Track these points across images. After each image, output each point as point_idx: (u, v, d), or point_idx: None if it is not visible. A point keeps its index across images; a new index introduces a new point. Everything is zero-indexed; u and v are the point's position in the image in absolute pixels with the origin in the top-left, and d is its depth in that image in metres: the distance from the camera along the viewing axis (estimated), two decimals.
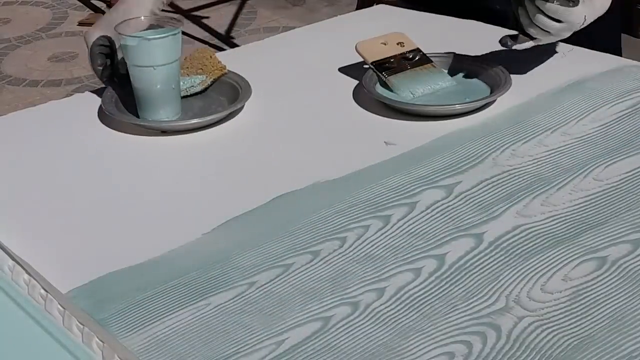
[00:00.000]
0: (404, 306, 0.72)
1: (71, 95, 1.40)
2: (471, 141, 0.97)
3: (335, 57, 1.18)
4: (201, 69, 1.10)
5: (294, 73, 1.18)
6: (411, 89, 1.09)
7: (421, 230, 0.82)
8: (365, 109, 1.07)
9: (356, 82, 1.12)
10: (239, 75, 1.11)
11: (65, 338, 0.72)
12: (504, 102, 1.06)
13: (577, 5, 1.02)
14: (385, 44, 1.14)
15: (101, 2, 3.65)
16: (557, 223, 0.82)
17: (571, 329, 0.69)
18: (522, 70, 1.14)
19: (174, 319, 0.71)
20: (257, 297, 0.73)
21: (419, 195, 0.87)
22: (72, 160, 0.97)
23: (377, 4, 2.22)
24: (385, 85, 1.10)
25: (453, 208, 0.85)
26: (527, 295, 0.73)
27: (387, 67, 1.11)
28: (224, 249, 0.79)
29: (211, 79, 1.10)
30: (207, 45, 3.12)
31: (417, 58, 1.13)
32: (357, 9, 2.31)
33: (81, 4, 3.63)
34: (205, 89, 1.10)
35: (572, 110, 1.04)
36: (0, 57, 3.12)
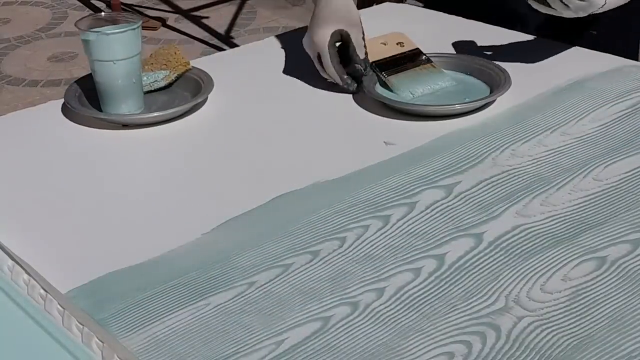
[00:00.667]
0: (403, 306, 0.72)
1: None
2: (471, 141, 0.97)
3: None
4: (165, 64, 1.12)
5: (294, 73, 1.18)
6: (411, 89, 1.09)
7: (421, 230, 0.82)
8: (365, 109, 1.07)
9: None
10: (203, 71, 1.12)
11: (64, 338, 0.72)
12: (504, 102, 1.06)
13: None
14: (385, 44, 1.15)
15: (101, 2, 3.66)
16: (556, 223, 0.82)
17: (571, 329, 0.69)
18: (522, 70, 1.14)
19: (174, 319, 0.71)
20: (256, 297, 0.73)
21: (419, 195, 0.87)
22: (72, 160, 0.97)
23: (376, 4, 2.22)
24: (385, 85, 1.10)
25: (453, 208, 0.85)
26: (527, 295, 0.73)
27: (386, 67, 1.11)
28: (224, 249, 0.79)
29: (175, 74, 1.11)
30: (206, 45, 3.13)
31: (416, 58, 1.13)
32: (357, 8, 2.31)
33: (81, 4, 3.63)
34: (170, 85, 1.12)
35: (572, 110, 1.04)
36: (0, 57, 3.12)
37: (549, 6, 1.05)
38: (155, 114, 1.04)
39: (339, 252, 0.79)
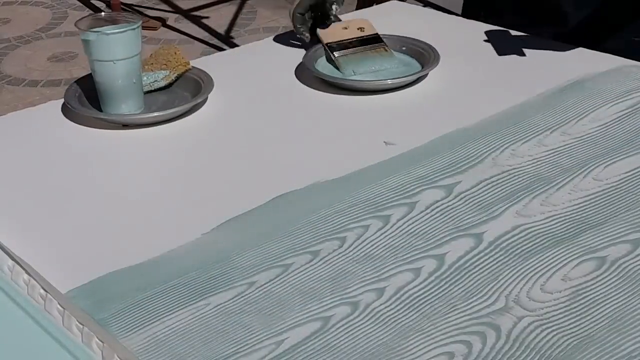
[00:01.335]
0: (403, 306, 0.72)
1: None
2: (471, 141, 0.97)
3: None
4: (165, 64, 1.12)
5: (294, 73, 1.18)
6: (355, 68, 1.15)
7: (421, 230, 0.82)
8: (365, 109, 1.07)
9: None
10: (203, 71, 1.12)
11: (64, 338, 0.72)
12: (504, 102, 1.06)
13: None
14: (346, 29, 1.21)
15: (101, 2, 3.66)
16: (556, 223, 0.82)
17: (571, 328, 0.69)
18: (523, 70, 1.14)
19: (174, 319, 0.71)
20: (256, 297, 0.73)
21: (419, 195, 0.87)
22: (72, 160, 0.97)
23: (377, 4, 2.22)
24: (334, 64, 1.18)
25: (453, 208, 0.85)
26: (527, 295, 0.73)
27: (339, 48, 1.18)
28: (224, 249, 0.79)
29: (175, 75, 1.11)
30: (206, 45, 3.12)
31: (372, 42, 1.20)
32: (357, 8, 2.31)
33: (81, 4, 3.63)
34: (170, 85, 1.12)
35: (572, 110, 1.04)
36: (0, 57, 3.12)
37: None
38: (155, 114, 1.04)
39: (339, 252, 0.79)
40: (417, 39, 1.20)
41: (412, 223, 0.83)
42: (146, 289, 0.74)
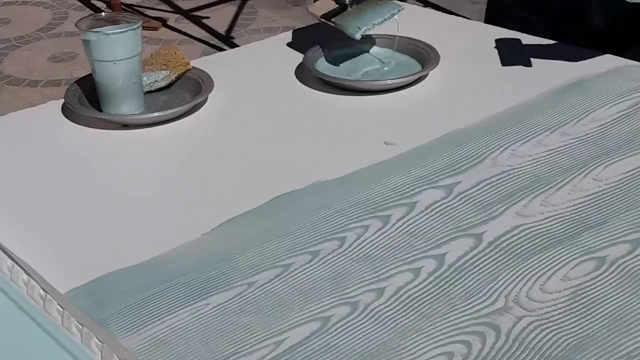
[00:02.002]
0: (403, 306, 0.72)
1: None
2: (471, 141, 0.97)
3: None
4: (165, 64, 1.12)
5: (294, 73, 1.18)
6: (358, 24, 1.14)
7: (420, 230, 0.82)
8: (365, 109, 1.07)
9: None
10: (203, 71, 1.12)
11: (64, 338, 0.72)
12: (504, 102, 1.06)
13: None
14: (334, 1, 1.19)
15: (101, 2, 3.66)
16: (556, 223, 0.82)
17: (570, 328, 0.69)
18: (523, 70, 1.14)
19: (174, 319, 0.71)
20: (256, 297, 0.73)
21: (419, 195, 0.87)
22: (72, 160, 0.97)
23: None
24: (332, 62, 1.17)
25: (452, 208, 0.85)
26: (527, 295, 0.73)
27: (334, 13, 1.17)
28: (224, 249, 0.79)
29: (175, 75, 1.11)
30: (207, 45, 3.13)
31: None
32: None
33: (81, 4, 3.64)
34: (170, 85, 1.12)
35: (572, 110, 1.04)
36: (0, 57, 3.12)
37: None
38: (156, 114, 1.04)
39: (338, 252, 0.79)
40: (417, 39, 1.20)
41: (412, 223, 0.83)
42: (146, 289, 0.74)
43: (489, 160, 0.93)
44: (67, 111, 1.08)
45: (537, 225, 0.82)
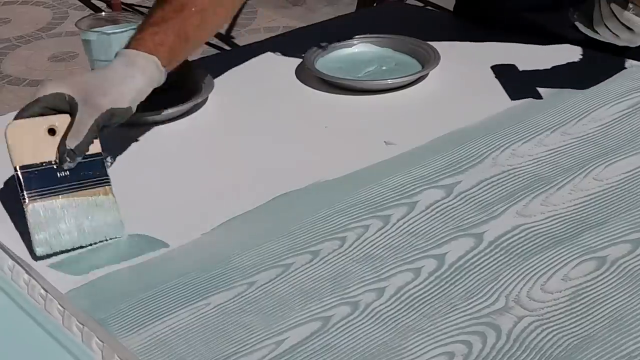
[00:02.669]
0: (403, 306, 0.72)
1: None
2: (471, 141, 0.97)
3: None
4: None
5: (294, 73, 1.18)
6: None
7: (421, 230, 0.82)
8: (365, 110, 1.07)
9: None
10: (203, 70, 1.12)
11: (64, 338, 0.72)
12: (504, 102, 1.06)
13: None
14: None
15: (101, 2, 3.65)
16: (556, 223, 0.82)
17: (571, 328, 0.69)
18: (522, 71, 1.14)
19: (174, 319, 0.71)
20: (256, 297, 0.73)
21: (419, 195, 0.87)
22: None
23: (377, 4, 2.22)
24: (332, 62, 1.17)
25: (453, 208, 0.85)
26: (527, 295, 0.73)
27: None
28: (224, 249, 0.79)
29: (175, 75, 1.11)
30: (207, 45, 3.12)
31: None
32: (357, 9, 2.31)
33: (81, 4, 3.63)
34: (170, 85, 1.11)
35: (572, 110, 1.04)
36: (0, 57, 3.12)
37: (597, 33, 1.01)
38: (156, 113, 1.04)
39: (339, 252, 0.79)
40: (417, 39, 1.20)
41: (412, 223, 0.83)
42: (146, 289, 0.74)
43: (490, 160, 0.93)
44: None
45: (538, 225, 0.82)
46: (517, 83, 1.11)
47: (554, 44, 1.21)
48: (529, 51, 1.20)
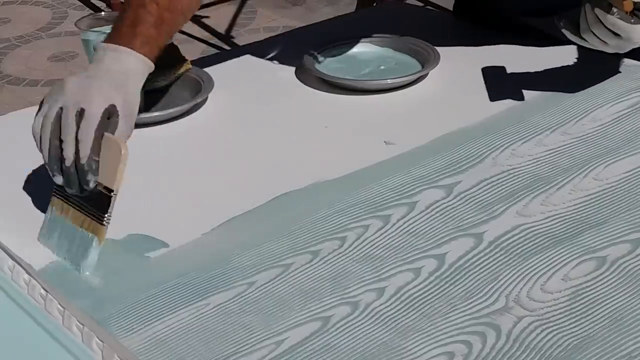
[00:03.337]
0: (403, 306, 0.72)
1: None
2: (471, 141, 0.97)
3: None
4: (165, 64, 1.11)
5: (294, 73, 1.18)
6: None
7: (421, 230, 0.82)
8: (365, 109, 1.07)
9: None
10: (203, 70, 1.12)
11: (64, 338, 0.72)
12: (504, 102, 1.06)
13: (639, 23, 0.95)
14: None
15: (101, 2, 3.65)
16: (556, 223, 0.82)
17: (571, 328, 0.69)
18: (522, 71, 1.14)
19: (174, 319, 0.71)
20: (256, 297, 0.73)
21: (419, 195, 0.87)
22: None
23: (376, 4, 2.22)
24: (332, 62, 1.16)
25: (453, 208, 0.85)
26: (527, 295, 0.73)
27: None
28: (224, 249, 0.79)
29: (175, 74, 1.11)
30: (207, 45, 3.12)
31: None
32: (357, 9, 2.31)
33: (81, 4, 3.63)
34: (170, 84, 1.11)
35: (572, 110, 1.04)
36: (0, 57, 3.12)
37: (585, 40, 1.00)
38: (155, 113, 1.04)
39: (339, 252, 0.79)
40: (417, 39, 1.20)
41: (412, 223, 0.83)
42: (146, 289, 0.74)
43: (489, 160, 0.93)
44: None
45: (538, 225, 0.82)
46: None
47: (552, 45, 1.21)
48: (529, 52, 1.20)
